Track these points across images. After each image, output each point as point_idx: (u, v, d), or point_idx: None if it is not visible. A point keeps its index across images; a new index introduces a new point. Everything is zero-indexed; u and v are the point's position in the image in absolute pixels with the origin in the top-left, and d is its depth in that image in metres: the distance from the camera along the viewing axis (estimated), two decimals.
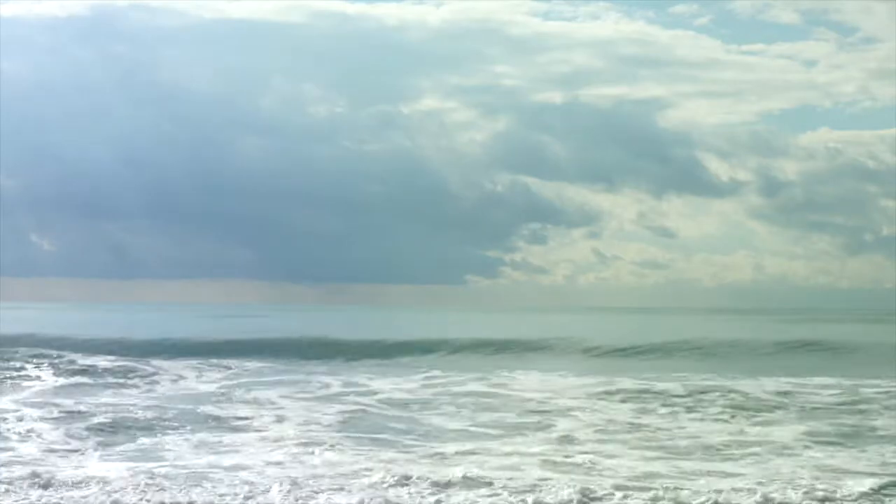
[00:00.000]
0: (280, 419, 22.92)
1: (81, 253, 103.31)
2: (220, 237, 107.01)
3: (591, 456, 18.11)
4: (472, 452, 18.60)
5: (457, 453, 18.56)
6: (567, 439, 20.28)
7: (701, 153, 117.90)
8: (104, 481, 15.40)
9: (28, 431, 20.54)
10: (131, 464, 17.20)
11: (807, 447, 19.42)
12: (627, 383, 30.25)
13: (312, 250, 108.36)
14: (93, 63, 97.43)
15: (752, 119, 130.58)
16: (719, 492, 14.90)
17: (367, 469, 16.67)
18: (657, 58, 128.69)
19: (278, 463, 17.43)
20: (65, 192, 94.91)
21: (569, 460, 17.78)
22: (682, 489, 15.06)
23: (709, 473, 16.64)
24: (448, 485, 15.33)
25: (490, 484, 15.38)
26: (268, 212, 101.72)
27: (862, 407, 25.19)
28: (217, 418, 23.07)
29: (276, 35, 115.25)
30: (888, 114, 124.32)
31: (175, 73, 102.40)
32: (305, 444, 19.28)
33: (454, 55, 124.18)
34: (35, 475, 15.70)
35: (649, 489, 15.06)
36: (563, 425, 22.13)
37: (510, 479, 15.78)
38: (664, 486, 15.22)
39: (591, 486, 15.16)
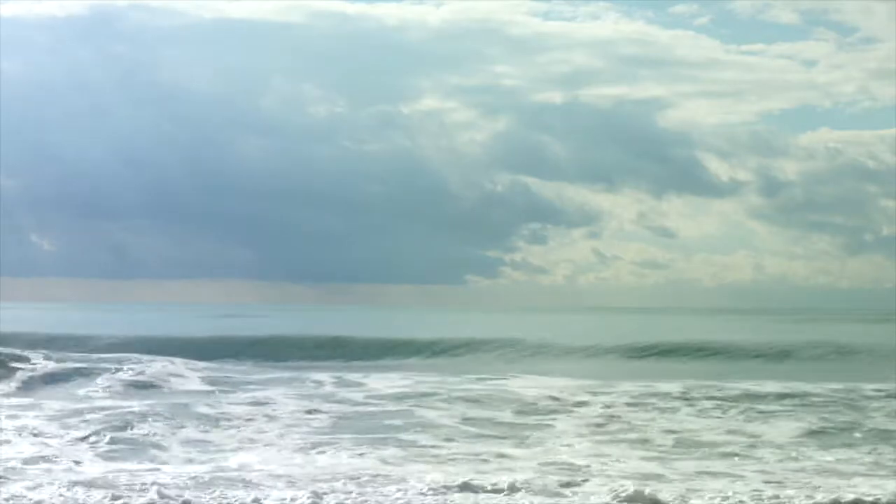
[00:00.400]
0: (272, 418, 22.74)
1: (81, 253, 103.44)
2: (220, 237, 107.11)
3: (590, 458, 17.95)
4: (468, 453, 18.44)
5: (451, 453, 18.41)
6: (565, 441, 20.11)
7: (701, 153, 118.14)
8: (96, 484, 15.26)
9: (21, 428, 20.44)
10: (125, 464, 17.08)
11: (808, 448, 19.28)
12: (626, 384, 30.10)
13: (312, 250, 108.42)
14: (93, 63, 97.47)
15: (752, 119, 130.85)
16: (726, 496, 14.77)
17: (361, 469, 16.54)
18: (657, 58, 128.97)
19: (270, 463, 17.26)
20: (65, 192, 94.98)
21: (568, 462, 17.61)
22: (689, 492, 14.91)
23: (713, 475, 16.48)
24: (446, 487, 15.18)
25: (490, 486, 15.22)
26: (268, 212, 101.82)
27: (862, 407, 25.02)
28: (210, 417, 22.87)
29: (276, 35, 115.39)
30: (888, 114, 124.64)
31: (175, 73, 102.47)
32: (298, 444, 19.14)
33: (454, 55, 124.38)
34: (30, 475, 15.62)
35: (655, 492, 14.89)
36: (560, 427, 21.97)
37: (507, 481, 15.61)
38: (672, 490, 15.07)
39: (595, 491, 15.03)
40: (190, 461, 17.41)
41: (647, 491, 14.74)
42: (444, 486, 15.03)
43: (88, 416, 22.32)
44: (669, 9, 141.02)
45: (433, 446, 19.19)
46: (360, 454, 18.08)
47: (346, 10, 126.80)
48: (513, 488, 14.98)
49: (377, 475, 15.88)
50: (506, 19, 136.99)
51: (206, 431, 20.80)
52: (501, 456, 18.13)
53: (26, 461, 16.86)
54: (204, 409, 24.03)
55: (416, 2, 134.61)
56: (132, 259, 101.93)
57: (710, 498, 14.47)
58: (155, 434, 20.30)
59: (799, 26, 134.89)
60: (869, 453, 18.66)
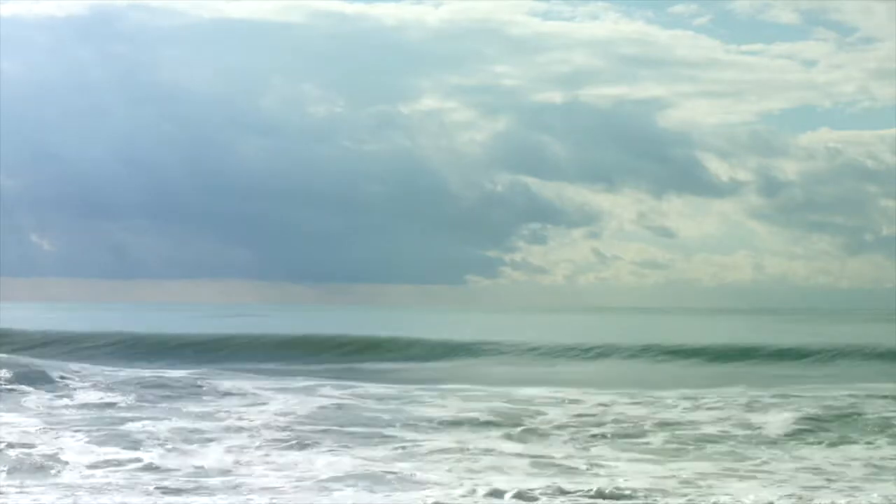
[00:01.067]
0: (260, 416, 22.45)
1: (81, 253, 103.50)
2: (220, 237, 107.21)
3: (586, 460, 17.92)
4: (458, 451, 18.34)
5: (437, 451, 18.31)
6: (557, 441, 20.06)
7: (701, 153, 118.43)
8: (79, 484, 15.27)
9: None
10: (104, 457, 17.05)
11: (808, 451, 19.25)
12: (624, 385, 30.10)
13: (312, 250, 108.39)
14: (93, 63, 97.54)
15: (752, 119, 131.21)
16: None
17: (347, 469, 16.48)
18: (657, 58, 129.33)
19: (255, 464, 17.13)
20: (65, 192, 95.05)
21: (562, 464, 17.57)
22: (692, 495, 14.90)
23: (715, 476, 16.47)
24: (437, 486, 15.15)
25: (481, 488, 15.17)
26: (268, 212, 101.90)
27: (864, 408, 24.96)
28: (197, 416, 22.72)
29: (275, 35, 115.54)
30: (888, 114, 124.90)
31: (175, 73, 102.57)
32: (286, 442, 19.09)
33: (454, 55, 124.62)
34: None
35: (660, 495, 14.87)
36: (552, 427, 21.87)
37: (495, 482, 15.54)
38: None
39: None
40: (167, 457, 17.26)
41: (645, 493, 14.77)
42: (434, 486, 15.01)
43: (69, 415, 22.36)
44: (669, 9, 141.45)
45: (418, 443, 19.14)
46: (347, 455, 17.95)
47: (345, 10, 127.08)
48: (497, 493, 14.91)
49: (361, 474, 15.83)
50: (505, 19, 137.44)
51: (190, 425, 20.67)
52: (497, 455, 18.01)
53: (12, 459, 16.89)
54: (192, 408, 23.93)
55: (415, 2, 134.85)
56: (132, 259, 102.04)
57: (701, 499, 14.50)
58: (133, 430, 20.22)
59: (799, 26, 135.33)
60: (869, 455, 18.65)
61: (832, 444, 19.71)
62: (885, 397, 26.76)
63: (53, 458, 16.96)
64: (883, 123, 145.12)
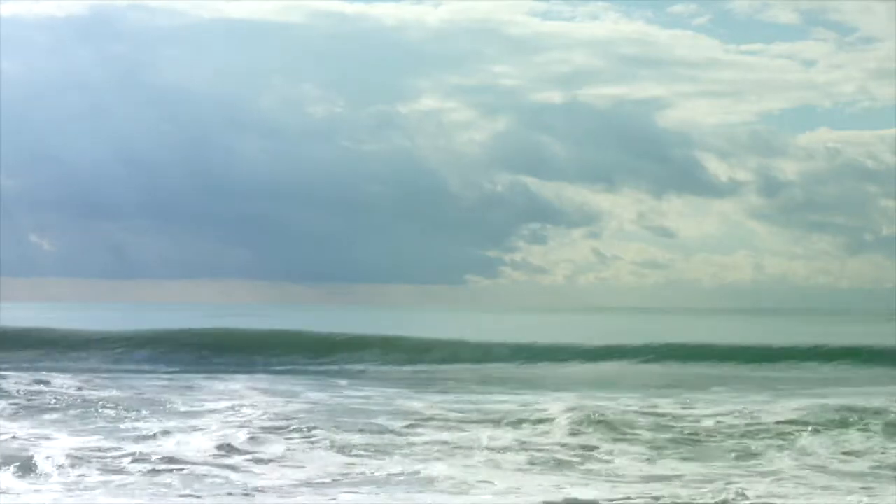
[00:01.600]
0: (252, 414, 22.25)
1: (81, 253, 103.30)
2: (220, 237, 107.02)
3: (583, 459, 17.71)
4: (457, 450, 18.10)
5: (435, 449, 18.06)
6: (555, 440, 19.88)
7: (700, 153, 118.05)
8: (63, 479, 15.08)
9: None
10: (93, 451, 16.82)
11: (804, 447, 19.12)
12: (623, 384, 29.97)
13: (312, 250, 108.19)
14: (93, 63, 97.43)
15: (752, 119, 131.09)
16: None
17: (344, 468, 16.32)
18: (656, 58, 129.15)
19: (248, 463, 16.87)
20: (65, 192, 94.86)
21: (558, 458, 17.38)
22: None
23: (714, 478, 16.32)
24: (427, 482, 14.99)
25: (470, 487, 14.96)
26: (268, 212, 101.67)
27: (866, 410, 24.79)
28: (187, 414, 22.50)
29: (275, 35, 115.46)
30: (888, 114, 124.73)
31: (174, 73, 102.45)
32: (279, 441, 18.82)
33: (453, 55, 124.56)
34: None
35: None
36: (550, 427, 21.69)
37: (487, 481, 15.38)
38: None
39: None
40: (158, 454, 16.90)
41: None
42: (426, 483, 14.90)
43: (50, 410, 22.34)
44: (668, 8, 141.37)
45: (414, 441, 18.89)
46: (337, 453, 17.68)
47: (345, 10, 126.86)
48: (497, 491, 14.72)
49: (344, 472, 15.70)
50: (505, 19, 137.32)
51: (181, 424, 20.47)
52: (487, 451, 17.77)
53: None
54: (181, 405, 23.79)
55: (414, 2, 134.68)
56: (132, 259, 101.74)
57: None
58: (122, 427, 20.06)
59: (798, 26, 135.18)
60: (869, 454, 18.51)
61: (833, 444, 19.55)
62: (885, 397, 26.61)
63: (37, 453, 16.67)
64: (883, 123, 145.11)
